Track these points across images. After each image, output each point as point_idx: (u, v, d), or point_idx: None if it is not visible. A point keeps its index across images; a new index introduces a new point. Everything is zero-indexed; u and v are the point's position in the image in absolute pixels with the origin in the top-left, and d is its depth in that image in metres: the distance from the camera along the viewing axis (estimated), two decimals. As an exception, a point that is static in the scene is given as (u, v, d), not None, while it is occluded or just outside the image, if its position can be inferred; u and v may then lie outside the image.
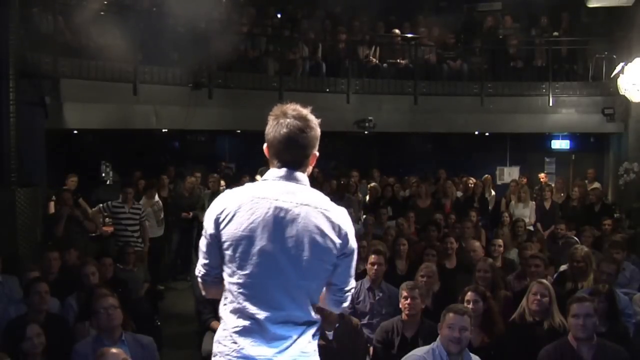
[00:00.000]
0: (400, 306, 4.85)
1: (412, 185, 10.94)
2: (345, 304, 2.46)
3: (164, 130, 11.69)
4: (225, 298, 2.30)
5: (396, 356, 4.51)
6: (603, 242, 7.65)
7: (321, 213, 2.27)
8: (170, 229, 9.79)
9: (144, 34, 10.07)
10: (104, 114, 9.91)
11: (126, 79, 10.10)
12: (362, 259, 6.65)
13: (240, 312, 2.25)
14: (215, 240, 2.28)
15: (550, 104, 12.72)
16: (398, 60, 13.01)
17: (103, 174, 13.82)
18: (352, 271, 2.40)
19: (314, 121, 2.37)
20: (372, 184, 11.02)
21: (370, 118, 12.26)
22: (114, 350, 3.74)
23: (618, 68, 11.16)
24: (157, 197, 9.44)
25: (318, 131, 2.39)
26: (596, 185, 11.75)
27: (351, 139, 14.78)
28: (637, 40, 11.73)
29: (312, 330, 2.31)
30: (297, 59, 12.27)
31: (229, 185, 8.71)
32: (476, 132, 13.58)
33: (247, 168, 12.97)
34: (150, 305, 7.05)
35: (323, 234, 2.25)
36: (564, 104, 12.86)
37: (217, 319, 2.55)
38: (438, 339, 3.98)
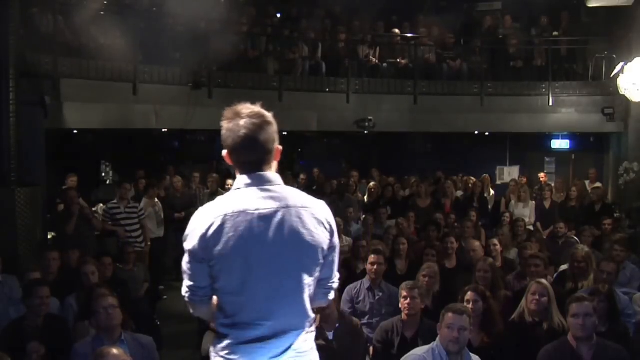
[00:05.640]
0: (400, 306, 4.85)
1: (412, 185, 10.94)
2: (331, 295, 2.47)
3: (164, 130, 11.70)
4: (221, 313, 2.28)
5: (396, 356, 4.51)
6: (603, 242, 7.65)
7: (304, 211, 2.27)
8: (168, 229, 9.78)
9: (144, 34, 10.07)
10: (104, 114, 9.91)
11: (126, 78, 10.10)
12: (362, 259, 6.67)
13: (237, 327, 2.24)
14: (202, 260, 2.22)
15: (550, 104, 12.72)
16: (398, 60, 13.02)
17: (103, 174, 13.85)
18: (337, 263, 2.43)
19: (269, 115, 2.33)
20: (372, 184, 11.01)
21: (370, 118, 12.25)
22: (114, 350, 3.74)
23: (618, 68, 11.16)
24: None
25: (275, 125, 2.33)
26: (597, 185, 11.76)
27: (351, 139, 14.81)
28: (637, 40, 11.73)
29: (308, 328, 2.33)
30: (297, 59, 12.28)
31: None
32: (476, 132, 13.59)
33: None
34: (150, 305, 7.05)
35: (310, 232, 2.26)
36: (563, 104, 12.86)
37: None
38: (437, 338, 3.98)
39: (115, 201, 8.37)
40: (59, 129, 9.52)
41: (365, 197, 10.79)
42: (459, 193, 10.94)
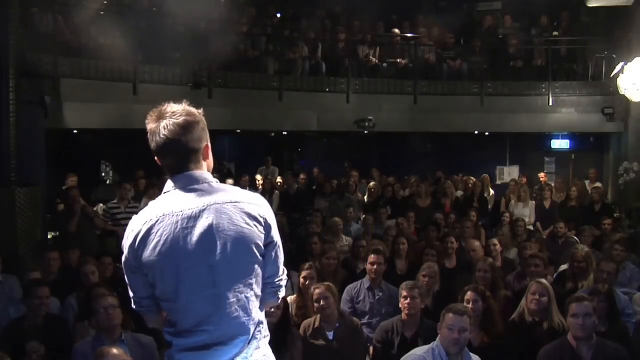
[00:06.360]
0: (400, 306, 4.85)
1: (412, 185, 10.94)
2: (281, 293, 2.37)
3: (164, 130, 11.67)
4: (169, 322, 2.23)
5: (396, 356, 4.51)
6: (603, 242, 7.65)
7: (233, 207, 2.16)
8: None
9: (144, 34, 10.07)
10: (104, 114, 9.91)
11: (126, 78, 10.10)
12: (362, 259, 6.67)
13: (180, 335, 2.18)
14: (136, 269, 2.16)
15: (550, 104, 12.73)
16: (398, 60, 13.02)
17: (103, 174, 13.84)
18: (282, 259, 2.32)
19: (195, 112, 2.23)
20: (372, 184, 11.01)
21: (370, 118, 12.26)
22: (114, 350, 3.74)
23: (618, 68, 11.16)
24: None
25: (202, 122, 2.24)
26: (597, 185, 11.76)
27: (351, 139, 14.81)
28: (637, 40, 11.73)
29: (258, 334, 2.24)
30: (297, 59, 12.28)
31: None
32: (476, 132, 13.59)
33: (246, 168, 13.01)
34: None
35: (240, 228, 2.15)
36: (563, 104, 12.87)
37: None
38: (438, 338, 3.98)
39: (115, 201, 8.37)
40: (59, 129, 9.52)
41: (365, 197, 10.79)
42: (459, 193, 10.94)
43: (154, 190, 9.41)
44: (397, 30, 13.49)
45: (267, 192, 10.84)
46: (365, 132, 12.63)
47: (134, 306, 2.27)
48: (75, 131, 11.07)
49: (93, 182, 12.35)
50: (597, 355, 4.00)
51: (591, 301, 4.16)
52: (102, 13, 9.94)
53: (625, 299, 5.46)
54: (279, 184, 11.57)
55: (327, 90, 12.36)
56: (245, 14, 12.53)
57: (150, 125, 2.21)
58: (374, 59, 12.91)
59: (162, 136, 2.17)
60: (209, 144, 2.29)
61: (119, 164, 13.50)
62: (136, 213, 6.79)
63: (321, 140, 16.24)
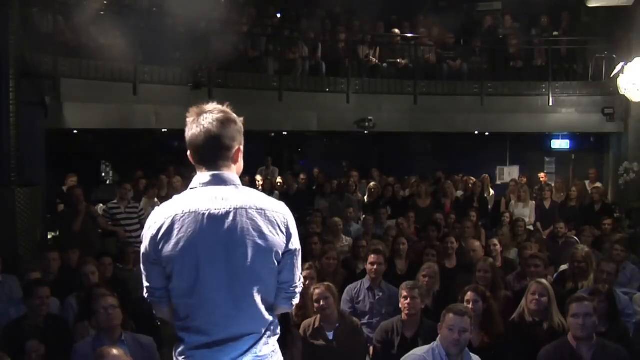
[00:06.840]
0: (400, 306, 4.85)
1: (412, 185, 10.94)
2: (295, 300, 2.41)
3: (163, 130, 11.69)
4: (177, 316, 2.27)
5: (396, 356, 4.51)
6: (603, 242, 7.65)
7: (258, 213, 2.22)
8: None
9: (144, 34, 10.07)
10: (104, 114, 9.91)
11: (126, 78, 10.09)
12: (362, 259, 6.67)
13: (191, 330, 2.22)
14: (154, 261, 2.21)
15: (550, 104, 12.72)
16: (398, 60, 13.02)
17: (103, 174, 13.85)
18: (299, 267, 2.38)
19: (234, 115, 2.31)
20: (372, 184, 11.01)
21: (370, 118, 12.26)
22: (114, 350, 3.74)
23: (618, 68, 11.15)
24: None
25: (239, 125, 2.32)
26: (598, 185, 11.76)
27: (351, 139, 14.81)
28: (637, 40, 11.73)
29: (268, 332, 2.29)
30: (297, 59, 12.27)
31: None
32: (476, 132, 13.59)
33: (246, 168, 12.98)
34: (149, 305, 7.05)
35: (262, 234, 2.20)
36: (563, 104, 12.86)
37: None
38: (438, 339, 3.98)
39: (115, 201, 8.37)
40: (59, 129, 9.52)
41: (365, 197, 10.78)
42: (459, 193, 10.94)
43: (154, 190, 9.43)
44: (397, 30, 13.48)
45: (266, 193, 10.81)
46: (365, 132, 12.62)
47: (145, 295, 2.31)
48: (75, 131, 11.07)
49: (93, 182, 12.36)
50: (597, 355, 4.00)
51: (591, 301, 4.16)
52: (102, 13, 9.92)
53: (625, 299, 5.46)
54: (278, 184, 11.57)
55: (327, 90, 12.35)
56: (245, 14, 12.52)
57: (189, 119, 2.29)
58: (374, 59, 12.91)
59: (197, 127, 2.24)
60: (242, 149, 2.34)
61: (119, 164, 13.51)
62: (136, 213, 6.85)
63: (321, 140, 16.24)
